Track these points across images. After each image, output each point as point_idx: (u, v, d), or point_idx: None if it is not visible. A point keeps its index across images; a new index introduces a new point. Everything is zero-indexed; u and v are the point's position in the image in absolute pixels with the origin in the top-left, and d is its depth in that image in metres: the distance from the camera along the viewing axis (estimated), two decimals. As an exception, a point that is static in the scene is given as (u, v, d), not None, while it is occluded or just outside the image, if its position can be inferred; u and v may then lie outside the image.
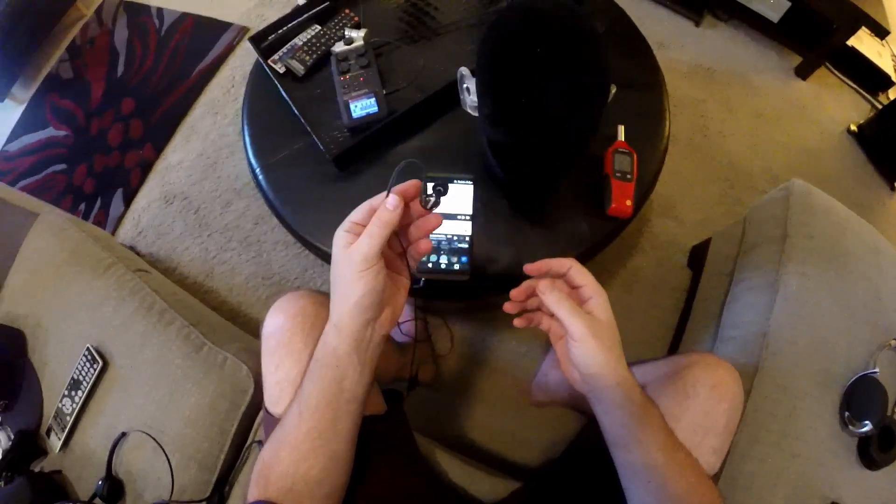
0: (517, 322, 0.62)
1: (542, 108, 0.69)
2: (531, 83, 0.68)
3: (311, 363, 0.55)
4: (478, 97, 0.78)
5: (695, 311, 1.33)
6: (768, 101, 1.88)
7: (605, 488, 0.61)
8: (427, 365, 1.26)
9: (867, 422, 0.87)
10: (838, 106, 1.95)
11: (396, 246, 0.56)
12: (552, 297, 0.55)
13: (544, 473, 0.90)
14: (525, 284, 0.61)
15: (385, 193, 0.53)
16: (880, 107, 1.93)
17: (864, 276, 1.02)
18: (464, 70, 0.89)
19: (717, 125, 1.77)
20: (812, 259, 1.02)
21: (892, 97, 1.95)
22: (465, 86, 0.91)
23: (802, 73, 1.95)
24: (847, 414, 0.89)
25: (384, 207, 0.51)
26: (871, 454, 0.86)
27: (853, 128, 1.88)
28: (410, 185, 0.54)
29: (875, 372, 0.90)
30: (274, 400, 0.68)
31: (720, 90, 1.85)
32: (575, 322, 0.53)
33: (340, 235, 0.51)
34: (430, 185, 0.55)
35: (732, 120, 1.80)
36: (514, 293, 0.62)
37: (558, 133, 0.72)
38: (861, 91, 2.00)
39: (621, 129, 0.98)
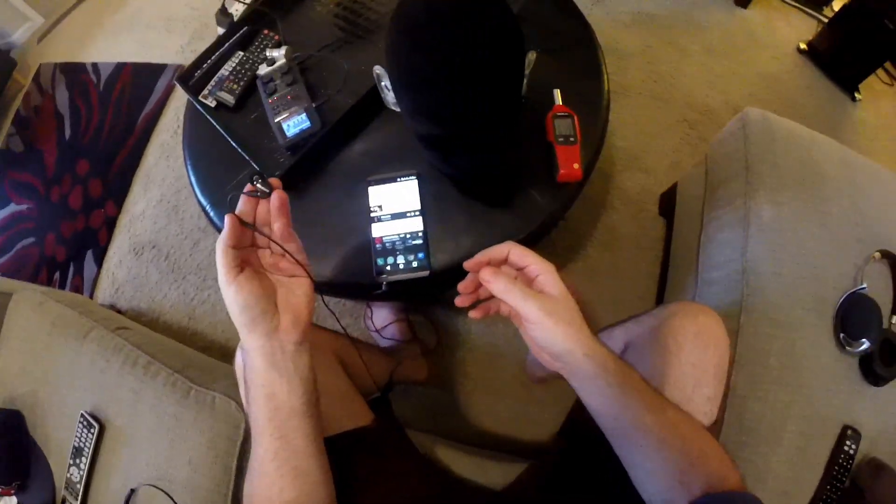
0: (473, 314, 0.60)
1: (456, 93, 0.68)
2: (442, 67, 0.67)
3: (247, 391, 0.54)
4: (394, 93, 0.77)
5: (673, 259, 1.33)
6: (715, 34, 1.86)
7: (605, 466, 0.60)
8: (418, 364, 1.26)
9: (864, 340, 0.86)
10: (786, 27, 1.94)
11: (276, 249, 0.56)
12: (499, 287, 0.53)
13: (547, 452, 0.90)
14: (469, 276, 0.59)
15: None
16: (826, 20, 1.91)
17: (838, 191, 1.01)
18: (378, 69, 0.88)
19: (668, 68, 1.76)
20: (780, 185, 1.00)
21: (836, 8, 1.93)
22: (383, 84, 0.90)
23: (742, 1, 1.93)
24: (843, 335, 0.88)
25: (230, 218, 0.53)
26: (875, 371, 0.86)
27: (803, 46, 1.87)
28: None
29: (864, 288, 0.90)
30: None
31: (665, 33, 1.83)
32: (526, 306, 0.51)
33: (224, 250, 0.52)
34: (255, 184, 0.56)
35: (683, 60, 1.79)
36: (461, 286, 0.60)
37: (479, 113, 0.70)
38: (804, 8, 1.98)
39: (557, 93, 0.97)
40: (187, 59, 1.92)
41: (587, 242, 1.47)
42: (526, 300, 0.51)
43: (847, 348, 0.87)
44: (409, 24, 0.67)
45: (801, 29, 1.94)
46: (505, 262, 0.57)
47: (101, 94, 1.97)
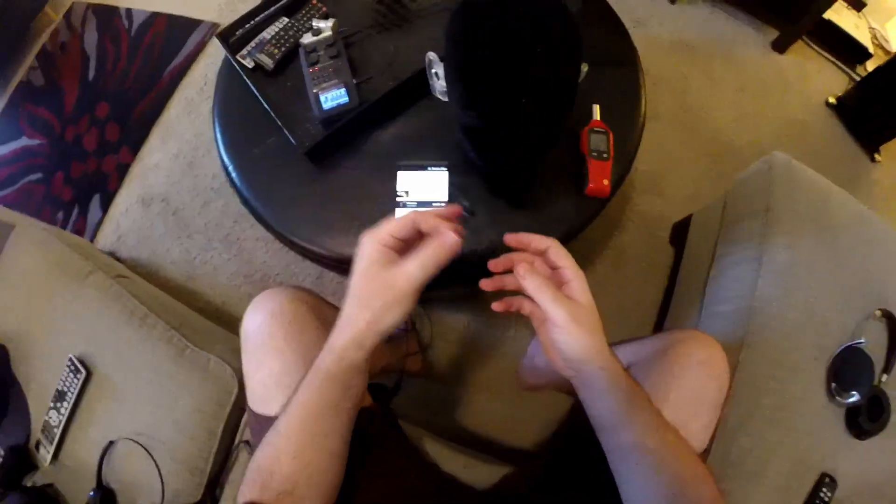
0: (495, 306, 0.60)
1: (514, 91, 0.68)
2: (502, 65, 0.67)
3: (317, 373, 0.53)
4: (447, 82, 0.77)
5: (678, 288, 1.34)
6: (749, 74, 1.87)
7: (598, 468, 0.60)
8: (414, 356, 1.26)
9: (854, 392, 0.87)
10: (818, 78, 1.95)
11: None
12: (532, 283, 0.53)
13: (538, 455, 0.90)
14: (505, 257, 0.58)
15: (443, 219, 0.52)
16: (858, 79, 1.93)
17: (851, 246, 1.02)
18: (431, 55, 0.88)
19: (699, 100, 1.77)
20: (797, 231, 1.01)
21: (869, 69, 1.95)
22: (433, 71, 0.90)
23: (780, 46, 1.95)
24: (834, 385, 0.89)
25: (444, 244, 0.50)
26: (860, 424, 0.87)
27: (832, 100, 1.89)
28: (452, 210, 0.53)
29: (861, 342, 0.91)
30: (258, 399, 0.67)
31: (701, 65, 1.84)
32: (556, 308, 0.51)
33: (377, 249, 0.50)
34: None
35: (715, 94, 1.80)
36: (491, 264, 0.59)
37: (532, 115, 0.70)
38: (839, 63, 2.00)
39: (596, 109, 0.98)
40: (224, 18, 1.90)
41: (596, 257, 1.47)
42: (556, 303, 0.51)
43: (837, 398, 0.89)
44: (475, 16, 0.67)
45: (833, 83, 1.95)
46: (542, 255, 0.57)
47: (131, 40, 1.95)
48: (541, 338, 0.59)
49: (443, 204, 0.85)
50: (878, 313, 0.95)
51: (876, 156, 1.82)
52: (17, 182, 1.81)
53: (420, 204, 0.86)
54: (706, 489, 0.54)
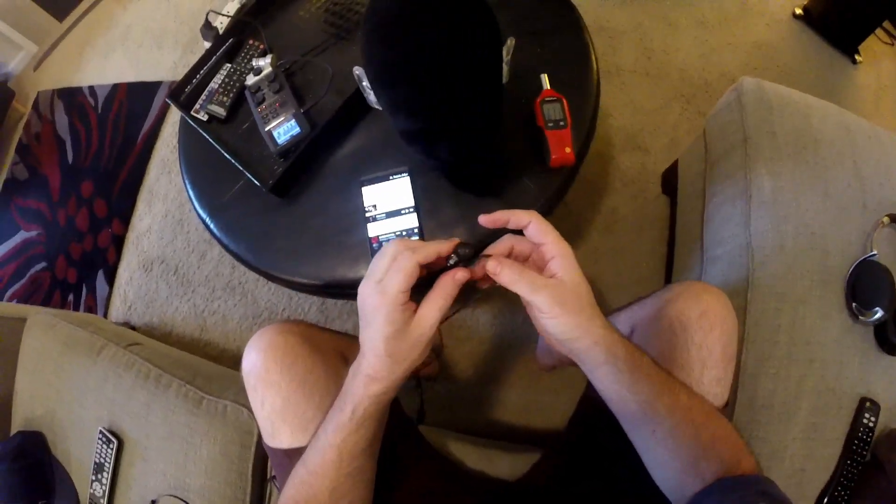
0: (480, 284, 0.57)
1: (434, 85, 0.67)
2: (415, 62, 0.66)
3: (354, 417, 0.53)
4: (372, 91, 0.77)
5: (678, 238, 1.32)
6: (707, 6, 1.83)
7: (620, 441, 0.59)
8: (428, 359, 1.26)
9: (878, 308, 0.83)
10: (781, -8, 1.90)
11: None
12: (507, 278, 0.50)
13: (563, 437, 0.89)
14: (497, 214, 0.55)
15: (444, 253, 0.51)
16: (821, -18, 1.87)
17: (840, 158, 0.99)
18: (357, 70, 0.88)
19: (660, 44, 1.74)
20: (780, 155, 0.98)
21: (830, -31, 1.89)
22: (363, 84, 0.90)
23: (733, -31, 1.90)
24: (854, 304, 0.85)
25: (455, 281, 0.50)
26: (890, 339, 0.83)
27: (798, 11, 1.84)
28: (444, 245, 0.52)
29: (874, 255, 0.88)
30: (269, 433, 0.68)
31: (656, 9, 1.81)
32: (536, 297, 0.49)
33: (398, 311, 0.49)
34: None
35: (675, 35, 1.76)
36: (482, 219, 0.56)
37: (459, 103, 0.70)
38: (798, -29, 1.94)
39: (545, 78, 0.96)
40: (180, 73, 1.90)
41: (589, 226, 1.46)
42: (534, 291, 0.49)
43: (860, 318, 0.85)
44: (379, 20, 0.67)
45: (792, -7, 1.90)
46: (522, 229, 0.54)
47: (99, 116, 2.00)
48: (534, 323, 0.56)
49: (411, 208, 0.85)
50: (886, 220, 0.91)
51: (856, 57, 1.77)
52: (24, 275, 1.87)
53: (389, 214, 0.86)
54: (728, 448, 0.53)
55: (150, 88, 1.96)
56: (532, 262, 0.55)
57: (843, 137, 1.02)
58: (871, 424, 0.81)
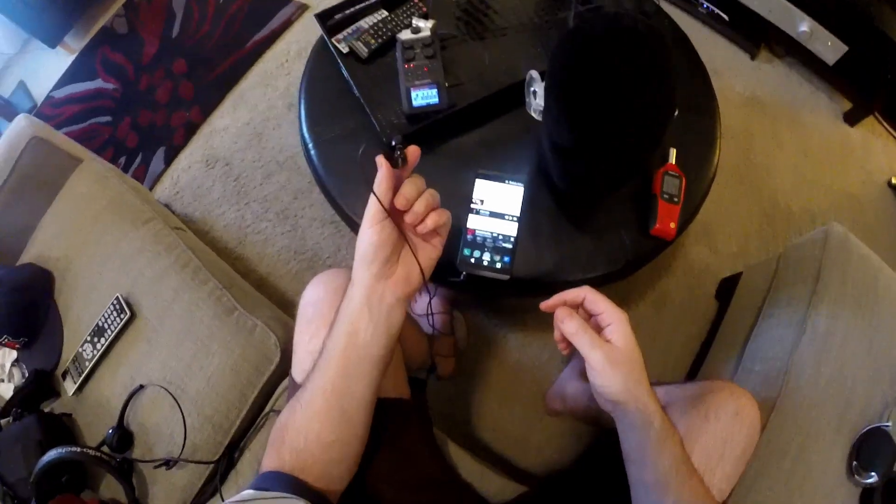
0: (561, 347, 0.61)
1: (610, 120, 0.69)
2: (603, 93, 0.69)
3: (333, 322, 0.58)
4: (546, 100, 0.78)
5: (718, 341, 1.33)
6: (815, 141, 1.86)
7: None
8: (448, 359, 1.27)
9: (873, 473, 0.86)
10: (883, 156, 1.92)
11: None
12: (570, 328, 0.55)
13: (552, 481, 0.91)
14: (555, 298, 0.60)
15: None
16: (926, 163, 1.90)
17: (891, 327, 1.02)
18: (533, 73, 0.90)
19: (762, 158, 1.76)
20: (842, 303, 1.01)
21: (939, 155, 1.91)
22: (532, 89, 0.92)
23: (851, 119, 1.92)
24: (855, 463, 0.88)
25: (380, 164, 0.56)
26: None
27: (894, 181, 1.86)
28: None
29: (888, 425, 0.90)
30: (303, 369, 0.69)
31: (769, 124, 1.83)
32: (592, 354, 0.54)
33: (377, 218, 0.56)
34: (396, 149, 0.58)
35: (778, 155, 1.79)
36: (543, 306, 0.61)
37: (625, 144, 0.72)
38: (907, 144, 1.97)
39: (673, 152, 0.98)
40: (313, 0, 1.95)
41: (640, 298, 1.47)
42: (592, 348, 0.54)
43: (856, 476, 0.88)
44: (585, 44, 0.69)
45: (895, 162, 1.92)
46: (579, 306, 0.59)
47: (219, 5, 2.00)
48: (589, 375, 0.59)
49: (515, 217, 0.86)
50: None
51: (931, 245, 1.79)
52: (85, 121, 1.88)
53: (493, 214, 0.87)
54: None
55: (278, 1, 1.97)
56: (593, 323, 0.58)
57: (901, 310, 1.05)
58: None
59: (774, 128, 1.83)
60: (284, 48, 1.86)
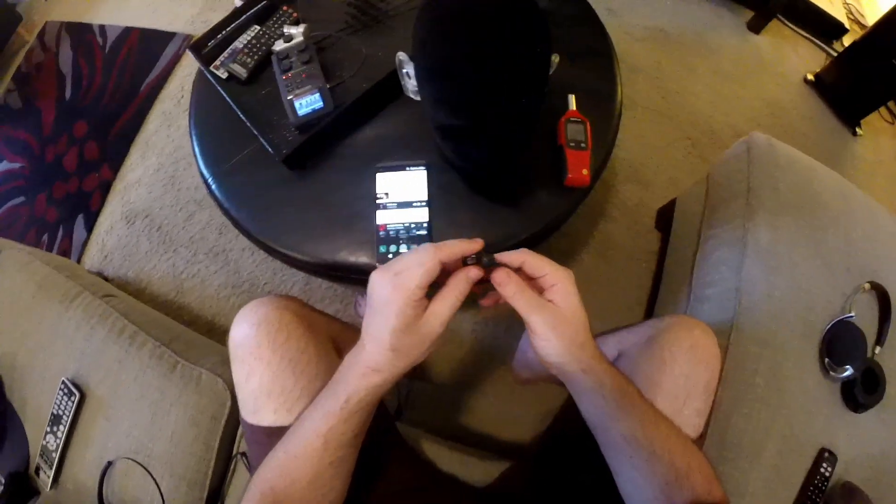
0: (483, 302, 0.59)
1: (484, 86, 0.68)
2: (470, 60, 0.67)
3: (346, 405, 0.53)
4: (417, 81, 0.77)
5: (666, 273, 1.35)
6: (725, 57, 1.89)
7: (593, 460, 0.61)
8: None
9: (848, 366, 0.88)
10: (795, 56, 1.97)
11: None
12: (508, 291, 0.52)
13: (534, 449, 0.90)
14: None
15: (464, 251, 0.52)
16: (835, 55, 1.95)
17: (834, 222, 1.03)
18: (401, 55, 0.88)
19: (675, 85, 1.78)
20: (779, 210, 1.02)
21: (846, 44, 1.96)
22: (404, 71, 0.90)
23: (755, 27, 1.96)
24: (827, 360, 0.89)
25: (469, 278, 0.51)
26: (856, 397, 0.88)
27: (810, 77, 1.90)
28: (468, 246, 0.53)
29: (851, 316, 0.92)
30: (251, 410, 0.66)
31: (675, 51, 1.85)
32: (532, 317, 0.51)
33: (411, 306, 0.49)
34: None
35: (690, 79, 1.81)
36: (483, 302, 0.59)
37: (504, 109, 0.70)
38: (815, 40, 2.02)
39: (572, 99, 0.98)
40: (197, 29, 1.89)
41: (582, 249, 1.48)
42: (531, 311, 0.51)
43: (831, 373, 0.89)
44: (440, 14, 0.67)
45: (810, 60, 1.97)
46: (519, 270, 0.55)
47: (105, 57, 1.94)
48: (531, 340, 0.57)
49: (423, 202, 0.85)
50: (867, 286, 0.96)
51: (857, 130, 1.84)
52: (0, 206, 1.80)
53: (400, 205, 0.86)
54: (701, 478, 0.54)
55: (163, 38, 1.91)
56: (536, 285, 0.55)
57: (841, 204, 1.07)
58: (826, 474, 0.85)
59: (682, 54, 1.85)
60: (178, 84, 1.81)
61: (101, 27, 2.00)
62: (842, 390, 0.90)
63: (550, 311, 0.51)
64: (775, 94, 1.86)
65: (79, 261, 1.62)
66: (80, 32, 2.02)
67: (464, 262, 0.52)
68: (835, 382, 0.90)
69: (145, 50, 1.92)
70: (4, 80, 2.02)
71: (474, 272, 0.51)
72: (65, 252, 1.64)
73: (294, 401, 0.64)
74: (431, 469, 0.89)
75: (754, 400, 0.87)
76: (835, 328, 0.92)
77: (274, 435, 0.59)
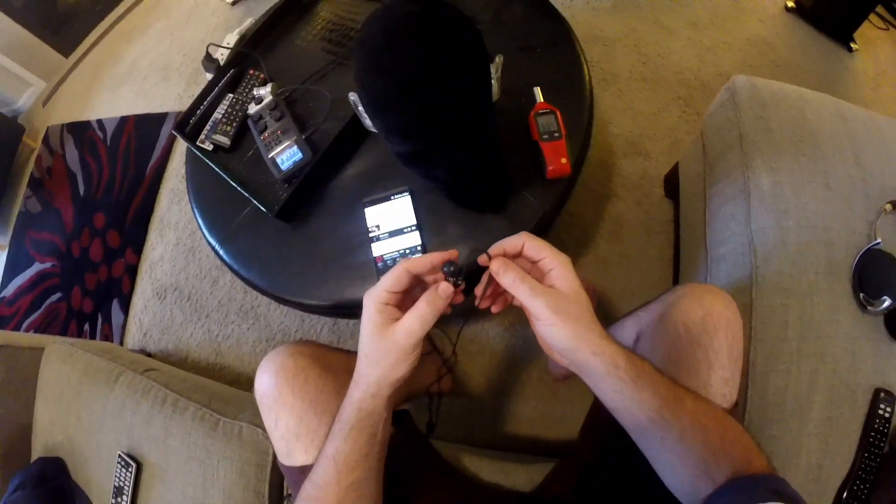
0: (494, 309, 0.60)
1: (425, 108, 0.69)
2: (403, 89, 0.68)
3: (341, 425, 0.56)
4: (367, 115, 0.79)
5: (683, 240, 1.31)
6: (699, 7, 1.84)
7: (631, 448, 0.59)
8: (443, 377, 1.27)
9: (886, 297, 0.83)
10: (769, -12, 1.91)
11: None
12: (507, 280, 0.51)
13: (578, 446, 0.90)
14: (484, 276, 0.57)
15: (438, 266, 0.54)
16: (811, -25, 1.87)
17: (839, 148, 0.99)
18: (352, 95, 0.91)
19: (655, 48, 1.75)
20: (777, 151, 0.98)
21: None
22: (359, 109, 0.92)
23: (723, -32, 1.91)
24: (862, 295, 0.85)
25: (438, 295, 0.52)
26: None
27: (790, 4, 1.84)
28: (438, 256, 0.55)
29: (879, 243, 0.87)
30: (284, 453, 0.70)
31: (647, 13, 1.82)
32: (533, 302, 0.50)
33: (380, 309, 0.52)
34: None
35: (669, 38, 1.78)
36: (477, 290, 0.59)
37: (448, 126, 0.72)
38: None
39: (538, 91, 0.98)
40: (186, 104, 1.94)
41: (595, 235, 1.46)
42: (533, 297, 0.50)
43: (869, 308, 0.84)
44: (369, 48, 0.69)
45: (782, -12, 1.90)
46: (520, 254, 0.55)
47: (108, 149, 2.04)
48: (535, 332, 0.57)
49: (413, 226, 0.87)
50: (889, 207, 0.91)
51: (852, 45, 1.77)
52: (40, 306, 1.91)
53: (392, 234, 0.88)
54: (738, 449, 0.53)
55: (157, 120, 2.00)
56: (535, 273, 0.55)
57: (840, 127, 1.02)
58: (886, 415, 0.80)
59: (655, 15, 1.82)
60: (180, 160, 1.89)
61: (99, 121, 2.11)
62: (885, 323, 0.85)
63: (552, 294, 0.51)
64: (758, 30, 1.80)
65: (121, 342, 1.70)
66: (81, 130, 2.14)
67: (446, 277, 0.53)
68: (875, 317, 0.86)
69: (143, 135, 2.01)
70: (21, 189, 2.16)
71: (443, 286, 0.52)
72: (107, 337, 1.73)
73: (321, 438, 0.66)
74: (472, 482, 0.90)
75: (790, 354, 0.84)
76: (864, 259, 0.87)
77: (308, 473, 0.62)
